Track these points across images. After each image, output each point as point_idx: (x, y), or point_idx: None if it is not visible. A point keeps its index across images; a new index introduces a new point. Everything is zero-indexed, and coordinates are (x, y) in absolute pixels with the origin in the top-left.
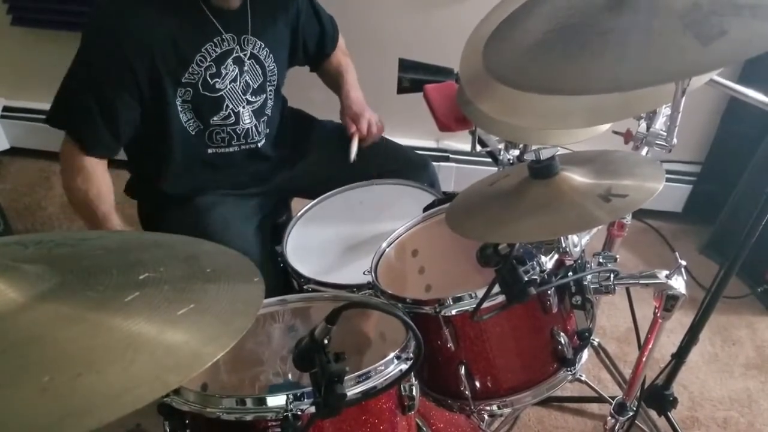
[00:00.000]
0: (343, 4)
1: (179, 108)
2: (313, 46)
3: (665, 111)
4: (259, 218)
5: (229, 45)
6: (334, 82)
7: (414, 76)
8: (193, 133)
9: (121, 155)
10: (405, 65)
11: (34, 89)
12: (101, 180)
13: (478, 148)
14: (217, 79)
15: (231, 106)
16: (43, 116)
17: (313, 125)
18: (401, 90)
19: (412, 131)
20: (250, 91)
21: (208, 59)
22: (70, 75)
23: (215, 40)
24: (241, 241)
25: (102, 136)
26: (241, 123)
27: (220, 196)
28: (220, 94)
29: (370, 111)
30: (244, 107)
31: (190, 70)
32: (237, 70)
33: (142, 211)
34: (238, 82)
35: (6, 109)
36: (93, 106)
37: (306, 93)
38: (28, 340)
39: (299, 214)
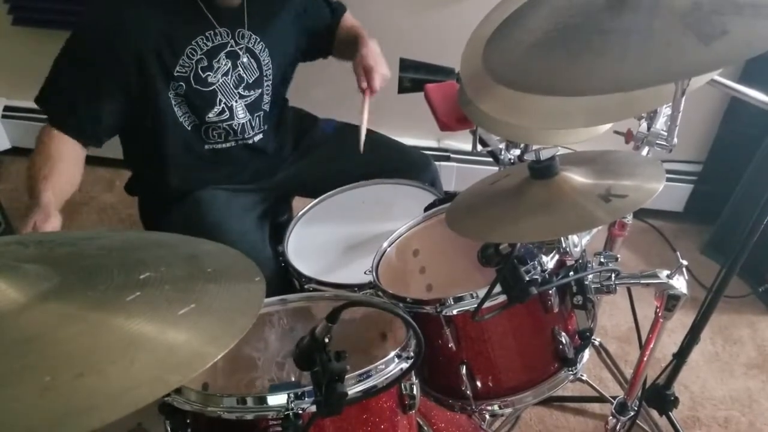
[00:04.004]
0: (344, 3)
1: (173, 102)
2: (323, 28)
3: (666, 111)
4: (259, 210)
5: (222, 39)
6: (350, 43)
7: (415, 76)
8: (189, 129)
9: (121, 154)
10: (406, 65)
11: (36, 89)
12: (65, 169)
13: (479, 147)
14: (209, 73)
15: (224, 100)
16: (45, 116)
17: (315, 124)
18: (402, 90)
19: (413, 131)
20: (243, 85)
21: (199, 52)
22: (59, 61)
23: (208, 34)
24: (240, 232)
25: (82, 122)
26: (236, 118)
27: (220, 189)
28: (212, 88)
29: (385, 66)
30: (236, 101)
31: (181, 62)
32: (230, 64)
33: (143, 208)
34: (230, 76)
35: (7, 108)
36: (78, 94)
37: (307, 91)
38: (29, 340)
39: (300, 213)
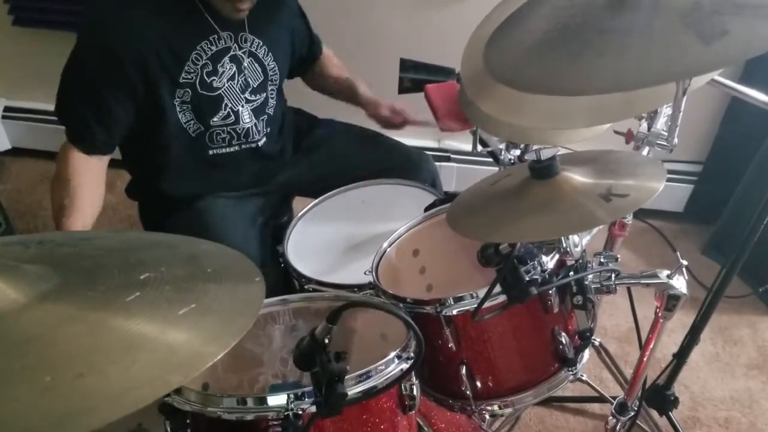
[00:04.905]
0: (344, 3)
1: (178, 109)
2: (304, 49)
3: (666, 111)
4: (261, 220)
5: (225, 43)
6: (344, 90)
7: (415, 76)
8: (194, 135)
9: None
10: (406, 65)
11: (36, 89)
12: (84, 193)
13: (479, 148)
14: (215, 78)
15: (230, 105)
16: (45, 116)
17: (315, 124)
18: (402, 90)
19: (414, 131)
20: (249, 89)
21: (204, 57)
22: (65, 75)
23: (211, 38)
24: (242, 244)
25: (95, 133)
26: (241, 122)
27: (221, 198)
28: (218, 92)
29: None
30: (243, 106)
31: (186, 69)
32: (235, 68)
33: (143, 212)
34: (236, 81)
35: (7, 109)
36: (86, 104)
37: (307, 91)
38: (30, 340)
39: (300, 213)
